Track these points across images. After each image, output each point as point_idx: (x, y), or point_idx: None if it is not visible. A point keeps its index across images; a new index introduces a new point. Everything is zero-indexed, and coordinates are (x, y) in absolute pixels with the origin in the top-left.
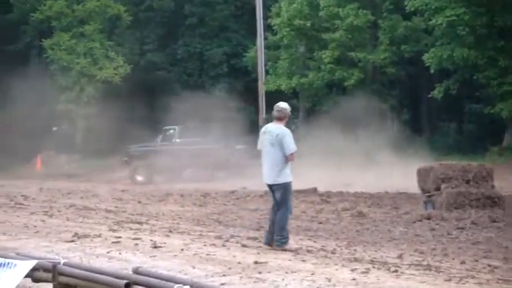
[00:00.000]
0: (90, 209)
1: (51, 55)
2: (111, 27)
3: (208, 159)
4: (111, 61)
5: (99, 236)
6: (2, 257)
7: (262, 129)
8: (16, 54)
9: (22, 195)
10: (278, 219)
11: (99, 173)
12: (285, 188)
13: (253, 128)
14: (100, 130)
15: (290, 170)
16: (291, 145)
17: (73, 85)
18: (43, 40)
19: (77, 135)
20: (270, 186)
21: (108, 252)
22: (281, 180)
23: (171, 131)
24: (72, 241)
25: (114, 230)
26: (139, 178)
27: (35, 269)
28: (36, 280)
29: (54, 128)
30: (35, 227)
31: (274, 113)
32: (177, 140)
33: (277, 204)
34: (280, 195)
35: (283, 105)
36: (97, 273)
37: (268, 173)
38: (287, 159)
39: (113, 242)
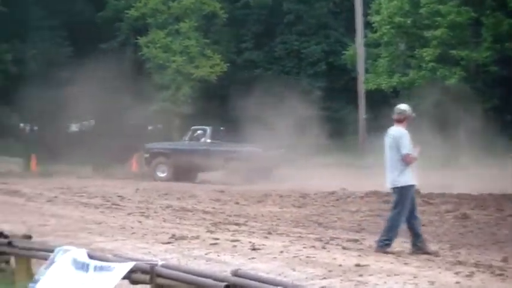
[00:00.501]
0: (187, 210)
1: (146, 53)
2: (207, 24)
3: (236, 163)
4: (208, 59)
5: (197, 237)
6: (99, 259)
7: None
8: (111, 52)
9: (118, 196)
10: (389, 217)
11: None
12: (403, 190)
13: (353, 128)
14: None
15: (411, 172)
16: (406, 147)
17: (169, 84)
18: (138, 38)
19: (173, 134)
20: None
21: (206, 254)
22: (399, 183)
23: (200, 131)
24: (169, 243)
25: (211, 232)
26: (160, 175)
27: (132, 271)
28: (134, 282)
29: (150, 127)
30: (131, 228)
31: (394, 115)
32: (208, 141)
33: (394, 205)
34: (397, 198)
35: (403, 107)
36: (195, 275)
37: (388, 176)
38: (404, 161)
39: (210, 244)
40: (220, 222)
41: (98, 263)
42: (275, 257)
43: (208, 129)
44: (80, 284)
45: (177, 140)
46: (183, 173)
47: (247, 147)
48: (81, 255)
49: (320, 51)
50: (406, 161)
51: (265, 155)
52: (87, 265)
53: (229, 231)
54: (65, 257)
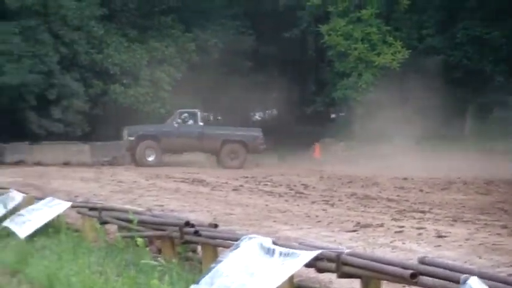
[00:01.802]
0: (372, 198)
1: (328, 41)
2: (388, 11)
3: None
4: (389, 46)
5: (382, 225)
6: (285, 247)
7: None
8: (292, 41)
9: (302, 184)
10: None
11: (375, 160)
12: None
13: None
14: (379, 117)
15: None
16: None
17: (350, 71)
18: (319, 26)
19: (355, 122)
20: None
21: (391, 242)
22: None
23: (186, 114)
24: (354, 231)
25: (396, 220)
26: (149, 159)
27: (318, 259)
28: (320, 270)
29: (333, 115)
30: (316, 216)
31: None
32: (200, 123)
33: None
34: None
35: None
36: (381, 263)
37: None
38: None
39: (395, 232)
40: (404, 209)
41: (284, 250)
42: (461, 245)
43: (199, 112)
44: (264, 267)
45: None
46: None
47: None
48: (267, 242)
49: (501, 37)
50: None
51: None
52: (273, 250)
53: (414, 218)
54: (251, 242)
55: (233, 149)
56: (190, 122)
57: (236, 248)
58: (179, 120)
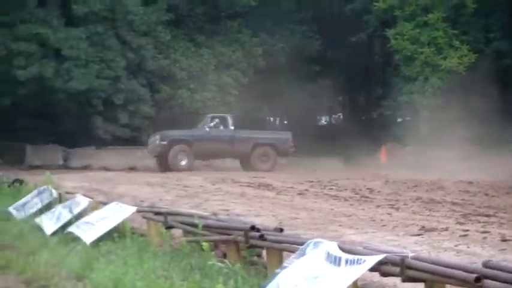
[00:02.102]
0: (437, 202)
1: (394, 45)
2: (454, 15)
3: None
4: (456, 50)
5: (446, 229)
6: (349, 251)
7: None
8: (359, 45)
9: (367, 188)
10: None
11: (440, 163)
12: None
13: None
14: (445, 121)
15: None
16: None
17: (417, 75)
18: (386, 30)
19: (421, 126)
20: None
21: (455, 246)
22: None
23: (218, 120)
24: (419, 235)
25: (461, 223)
26: (182, 163)
27: (382, 263)
28: (384, 274)
29: (399, 119)
30: (381, 220)
31: None
32: (231, 128)
33: None
34: None
35: None
36: (446, 266)
37: None
38: None
39: (460, 236)
40: (469, 213)
41: (350, 257)
42: None
43: (229, 117)
44: (330, 276)
45: None
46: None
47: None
48: (333, 248)
49: None
50: None
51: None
52: (339, 259)
53: (479, 222)
54: (318, 250)
55: (265, 152)
56: (221, 127)
57: (302, 256)
58: (211, 125)
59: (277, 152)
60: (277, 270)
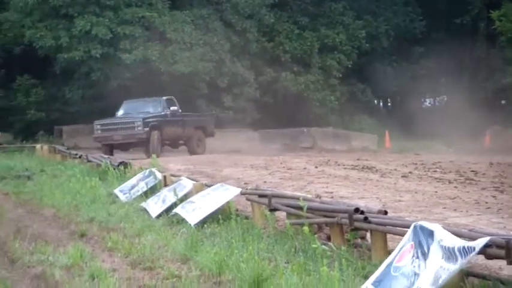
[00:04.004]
0: None
1: (499, 27)
2: None
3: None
4: None
5: None
6: (454, 233)
7: None
8: (463, 27)
9: (472, 171)
10: None
11: None
12: None
13: None
14: None
15: None
16: None
17: None
18: (491, 11)
19: None
20: None
21: None
22: None
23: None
24: None
25: None
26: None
27: (487, 246)
28: (489, 257)
29: (503, 102)
30: (486, 203)
31: None
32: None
33: None
34: None
35: None
36: None
37: None
38: None
39: None
40: None
41: (461, 244)
42: None
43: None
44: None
45: None
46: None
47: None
48: (440, 236)
49: None
50: None
51: None
52: (452, 249)
53: None
54: (434, 246)
55: (200, 135)
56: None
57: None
58: (173, 109)
59: (205, 134)
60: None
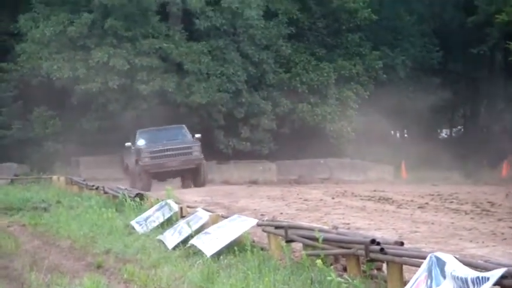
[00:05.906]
0: None
1: None
2: None
3: None
4: None
5: None
6: (469, 265)
7: None
8: (480, 57)
9: (488, 202)
10: None
11: None
12: None
13: None
14: None
15: None
16: None
17: None
18: (508, 42)
19: None
20: None
21: None
22: None
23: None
24: None
25: None
26: None
27: (504, 277)
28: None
29: None
30: (502, 234)
31: None
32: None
33: None
34: None
35: None
36: None
37: None
38: None
39: None
40: None
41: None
42: None
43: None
44: None
45: None
46: None
47: None
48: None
49: None
50: None
51: None
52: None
53: None
54: (447, 277)
55: None
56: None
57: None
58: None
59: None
60: None
